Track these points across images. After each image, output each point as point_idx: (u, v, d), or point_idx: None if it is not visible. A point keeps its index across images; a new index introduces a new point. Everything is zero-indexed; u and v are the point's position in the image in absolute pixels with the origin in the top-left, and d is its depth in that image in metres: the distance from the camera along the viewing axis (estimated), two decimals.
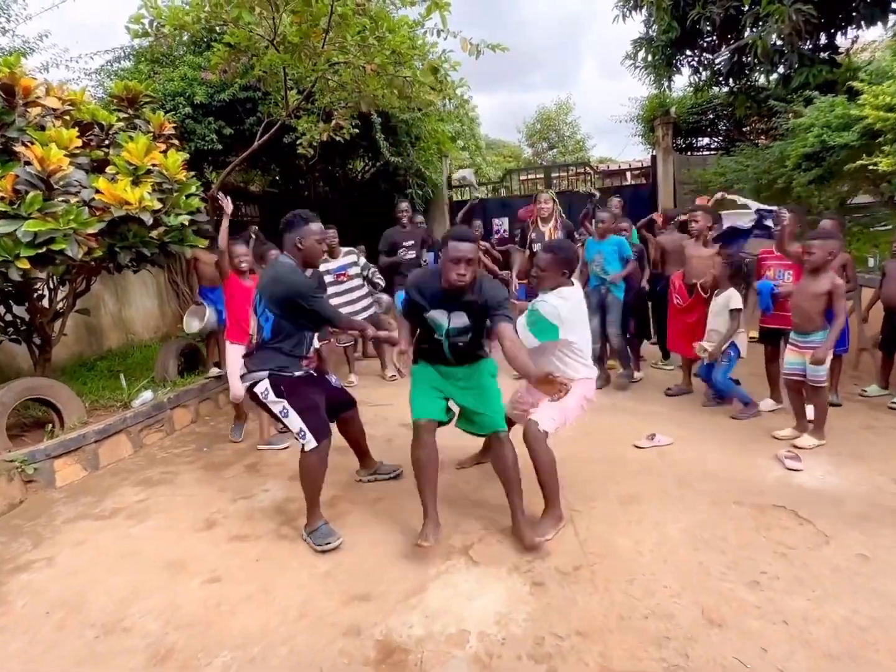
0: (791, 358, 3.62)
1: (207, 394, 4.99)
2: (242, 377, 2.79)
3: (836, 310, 3.41)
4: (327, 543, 2.64)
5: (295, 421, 2.66)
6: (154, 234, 3.90)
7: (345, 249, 5.44)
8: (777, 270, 4.16)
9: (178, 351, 5.32)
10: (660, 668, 1.80)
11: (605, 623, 2.03)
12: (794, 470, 3.13)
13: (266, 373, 2.69)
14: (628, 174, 13.30)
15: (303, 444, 2.69)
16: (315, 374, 2.94)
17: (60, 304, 4.51)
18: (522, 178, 12.15)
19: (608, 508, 2.85)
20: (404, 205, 5.93)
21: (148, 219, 3.68)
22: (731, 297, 4.09)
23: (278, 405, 2.68)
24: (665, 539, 2.54)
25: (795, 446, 3.43)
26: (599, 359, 4.94)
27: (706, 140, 12.22)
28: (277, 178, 9.94)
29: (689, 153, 11.78)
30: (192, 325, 5.07)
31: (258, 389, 2.71)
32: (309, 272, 2.81)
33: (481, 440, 3.25)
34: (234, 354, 4.05)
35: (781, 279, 4.12)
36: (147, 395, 4.46)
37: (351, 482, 3.36)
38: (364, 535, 2.76)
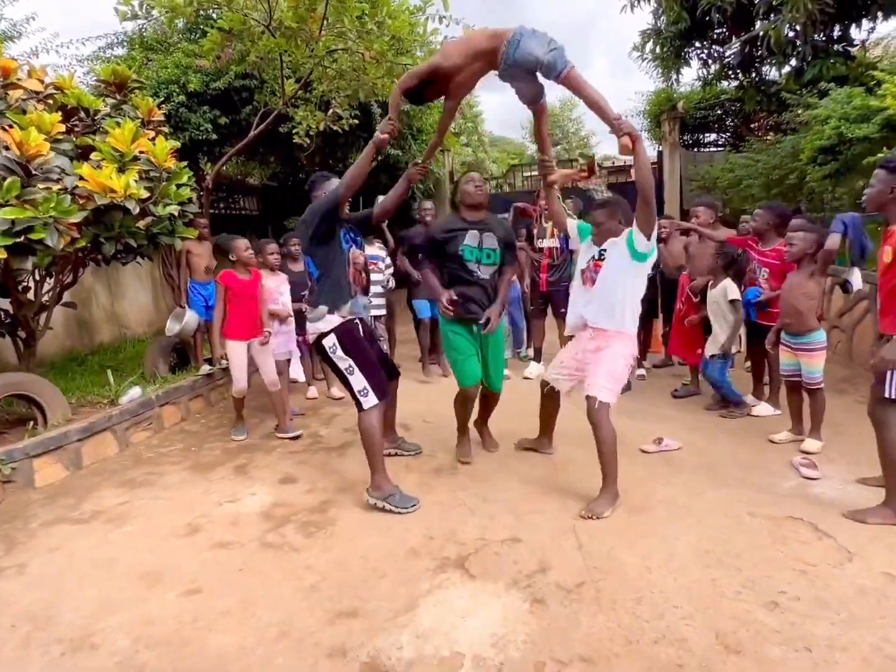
0: (785, 359, 3.47)
1: (199, 391, 4.83)
2: (310, 319, 2.89)
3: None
4: (413, 506, 2.80)
5: (360, 379, 2.78)
6: (141, 224, 3.74)
7: (376, 243, 5.35)
8: (755, 265, 3.97)
9: (170, 347, 5.17)
10: None
11: (611, 648, 1.86)
12: (811, 479, 2.97)
13: (332, 326, 2.81)
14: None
15: (362, 403, 2.79)
16: (371, 337, 3.13)
17: (46, 297, 4.35)
18: (526, 174, 11.98)
19: (613, 519, 2.68)
20: (428, 203, 5.42)
21: (134, 207, 3.52)
22: (728, 288, 3.92)
23: (345, 362, 2.80)
24: (674, 554, 2.37)
25: (805, 452, 3.27)
26: None
27: (713, 136, 12.03)
28: (277, 171, 9.75)
29: (695, 149, 11.59)
30: (172, 328, 4.96)
31: (326, 343, 2.82)
32: None
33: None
34: (236, 351, 4.02)
35: (757, 275, 3.95)
36: (135, 391, 4.30)
37: (344, 487, 3.20)
38: (353, 545, 2.59)
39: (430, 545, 2.56)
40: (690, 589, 2.14)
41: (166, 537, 2.76)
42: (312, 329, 2.88)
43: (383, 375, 2.90)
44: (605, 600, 2.10)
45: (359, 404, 2.81)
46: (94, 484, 3.43)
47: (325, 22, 4.66)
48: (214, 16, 5.71)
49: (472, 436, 3.55)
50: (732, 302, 3.91)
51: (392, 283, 5.41)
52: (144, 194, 3.61)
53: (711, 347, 4.02)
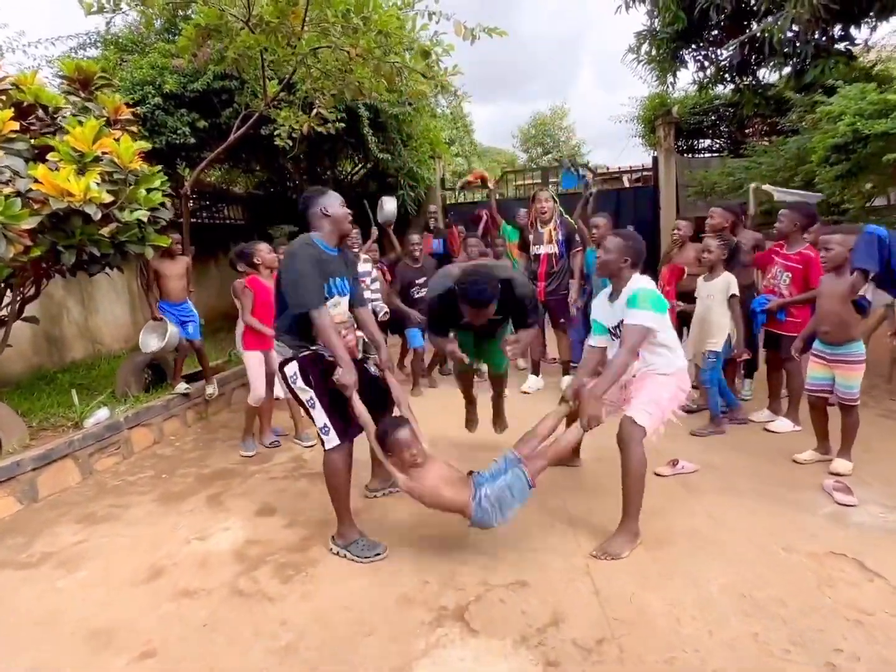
0: (817, 372, 3.15)
1: (174, 411, 4.49)
2: (279, 350, 2.57)
3: None
4: (376, 555, 2.48)
5: (321, 415, 2.46)
6: (105, 231, 3.41)
7: (363, 256, 5.04)
8: (777, 270, 3.73)
9: (145, 363, 4.81)
10: None
11: None
12: (847, 505, 2.67)
13: (294, 352, 2.49)
14: (625, 178, 12.92)
15: (323, 441, 2.48)
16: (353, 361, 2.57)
17: (5, 311, 4.00)
18: (518, 182, 11.76)
19: (632, 556, 2.37)
20: (416, 237, 5.29)
21: (95, 212, 3.19)
22: (731, 283, 3.66)
23: (306, 394, 2.48)
24: (707, 600, 2.06)
25: (835, 474, 2.97)
26: None
27: (708, 142, 11.86)
28: (263, 179, 9.46)
29: (690, 155, 11.42)
30: (150, 343, 4.49)
31: (287, 371, 2.50)
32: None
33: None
34: (255, 360, 3.90)
35: (778, 280, 3.70)
36: (102, 413, 3.95)
37: (327, 519, 2.84)
38: (336, 591, 2.27)
39: (425, 591, 2.23)
40: (731, 646, 1.82)
41: (124, 585, 2.42)
42: (278, 350, 2.56)
43: (349, 416, 2.47)
44: (630, 662, 1.79)
45: (321, 442, 2.51)
46: (49, 519, 3.08)
47: (306, 17, 4.38)
48: (194, 16, 5.43)
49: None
50: (732, 297, 3.65)
51: (385, 314, 4.92)
52: (107, 198, 3.28)
53: (710, 344, 3.75)
